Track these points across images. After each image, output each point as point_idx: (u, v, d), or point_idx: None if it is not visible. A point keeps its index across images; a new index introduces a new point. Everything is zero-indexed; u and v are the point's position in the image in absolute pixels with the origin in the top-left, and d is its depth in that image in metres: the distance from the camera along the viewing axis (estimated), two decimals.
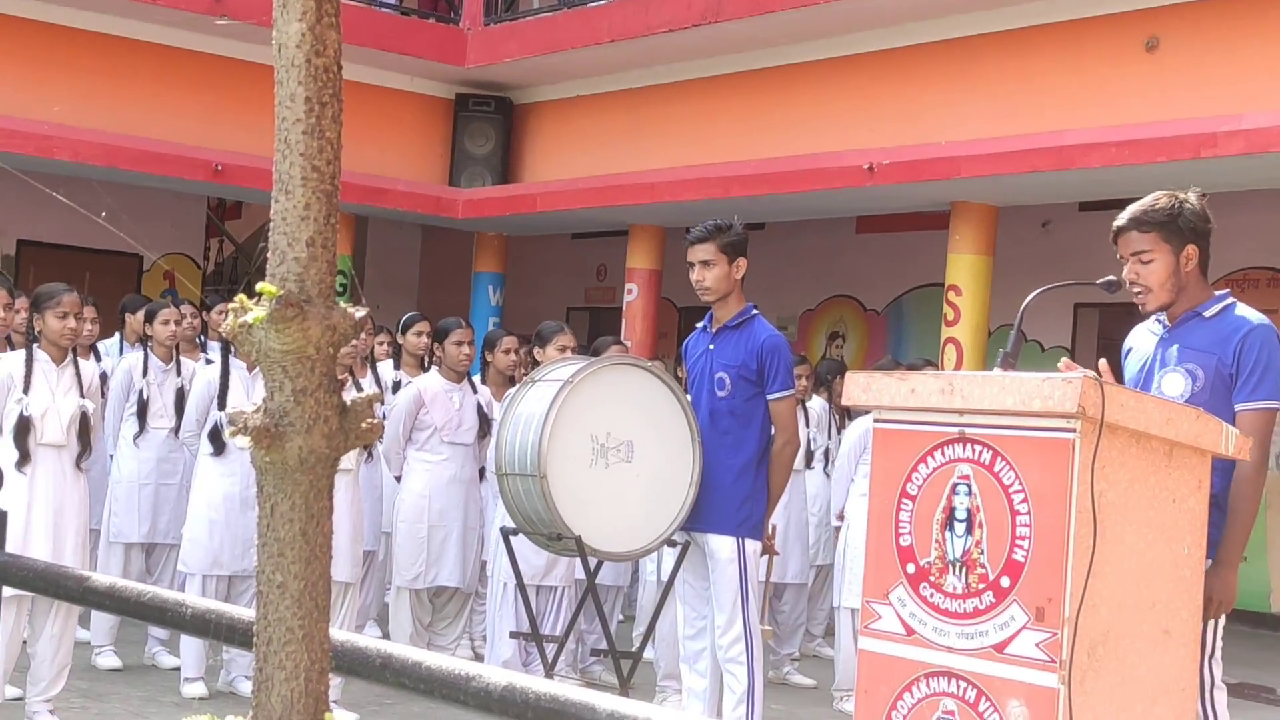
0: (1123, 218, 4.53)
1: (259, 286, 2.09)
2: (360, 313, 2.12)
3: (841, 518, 8.47)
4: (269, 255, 2.11)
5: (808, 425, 9.38)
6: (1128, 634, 3.89)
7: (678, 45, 12.99)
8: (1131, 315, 4.77)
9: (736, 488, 6.17)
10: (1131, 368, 4.67)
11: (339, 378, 2.13)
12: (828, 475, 9.42)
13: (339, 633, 2.49)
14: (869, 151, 11.54)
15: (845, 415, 9.57)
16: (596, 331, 14.19)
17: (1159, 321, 4.66)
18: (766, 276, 15.55)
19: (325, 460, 2.06)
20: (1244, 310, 4.56)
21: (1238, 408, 4.41)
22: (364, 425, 2.09)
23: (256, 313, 2.04)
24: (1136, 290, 4.54)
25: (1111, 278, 4.59)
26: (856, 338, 15.53)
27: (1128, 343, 4.77)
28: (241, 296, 2.09)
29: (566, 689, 2.21)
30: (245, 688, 7.20)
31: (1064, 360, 4.39)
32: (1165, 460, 3.98)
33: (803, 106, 12.65)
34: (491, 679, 2.31)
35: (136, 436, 8.23)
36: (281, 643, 2.08)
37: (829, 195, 12.19)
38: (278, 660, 2.07)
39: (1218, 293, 4.59)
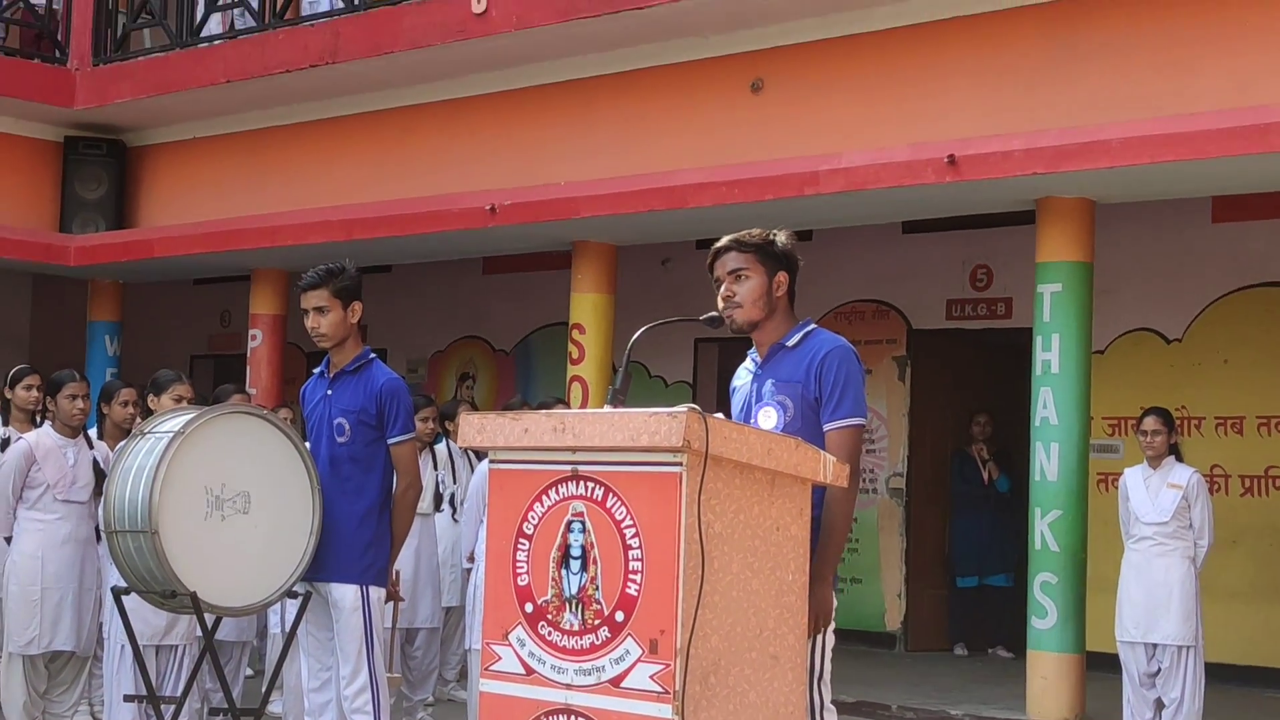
0: (722, 241, 4.70)
1: None
2: None
3: (472, 559, 8.46)
4: None
5: (435, 468, 9.35)
6: (738, 661, 3.99)
7: (296, 86, 12.79)
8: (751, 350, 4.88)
9: (359, 535, 6.10)
10: (735, 406, 4.80)
11: None
12: (456, 520, 9.39)
13: None
14: (491, 193, 11.59)
15: (478, 456, 9.56)
16: (222, 380, 13.82)
17: (753, 359, 4.81)
18: (395, 319, 15.44)
19: None
20: (822, 335, 4.70)
21: (825, 428, 4.54)
22: None
23: None
24: (728, 309, 4.66)
25: (714, 313, 4.71)
26: (487, 378, 15.56)
27: (733, 381, 4.90)
28: None
29: None
30: None
31: None
32: (768, 490, 4.11)
33: (424, 148, 12.62)
34: None
35: None
36: None
37: (453, 236, 12.20)
38: None
39: (801, 321, 4.75)
